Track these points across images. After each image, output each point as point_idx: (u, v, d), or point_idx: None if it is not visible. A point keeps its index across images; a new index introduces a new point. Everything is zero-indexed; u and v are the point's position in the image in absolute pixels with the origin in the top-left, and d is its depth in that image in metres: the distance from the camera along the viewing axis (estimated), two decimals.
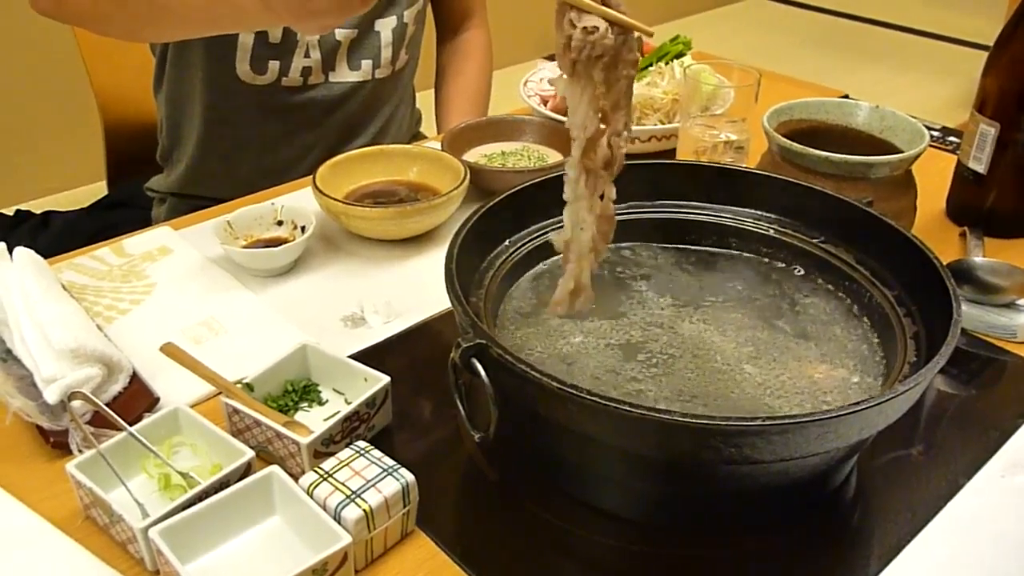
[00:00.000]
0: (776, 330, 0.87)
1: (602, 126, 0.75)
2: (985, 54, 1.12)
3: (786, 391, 0.79)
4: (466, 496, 0.81)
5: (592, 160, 0.75)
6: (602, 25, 0.70)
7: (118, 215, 1.74)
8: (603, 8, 0.70)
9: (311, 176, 1.11)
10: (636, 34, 0.73)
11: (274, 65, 1.33)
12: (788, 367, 0.82)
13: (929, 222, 1.16)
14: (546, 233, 0.93)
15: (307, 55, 1.34)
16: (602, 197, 0.78)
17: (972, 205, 1.16)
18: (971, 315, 0.98)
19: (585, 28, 0.70)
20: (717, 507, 0.76)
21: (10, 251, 0.94)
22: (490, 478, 0.82)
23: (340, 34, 1.34)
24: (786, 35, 4.65)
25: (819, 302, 0.90)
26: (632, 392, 0.79)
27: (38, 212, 2.02)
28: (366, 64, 1.40)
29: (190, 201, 1.46)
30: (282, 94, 1.37)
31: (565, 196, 0.78)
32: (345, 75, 1.39)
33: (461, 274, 0.79)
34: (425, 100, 1.67)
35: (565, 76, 0.74)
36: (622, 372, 0.81)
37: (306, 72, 1.36)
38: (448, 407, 0.87)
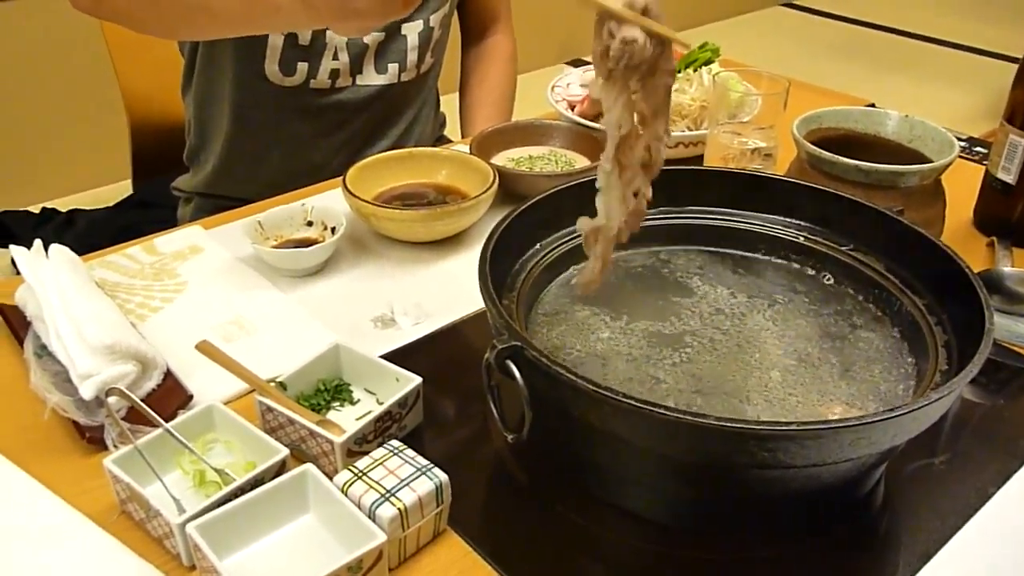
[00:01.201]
0: (825, 356, 0.85)
1: (640, 130, 0.75)
2: (1009, 65, 1.12)
3: (779, 408, 0.79)
4: (496, 496, 0.81)
5: (627, 157, 0.76)
6: (641, 37, 0.70)
7: (143, 214, 1.75)
8: (643, 20, 0.70)
9: (341, 177, 1.12)
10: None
11: (303, 67, 1.34)
12: (808, 396, 0.81)
13: (957, 232, 1.16)
14: (577, 237, 0.93)
15: (335, 58, 1.35)
16: (636, 194, 0.78)
17: (1001, 215, 1.15)
18: (999, 325, 0.97)
19: (624, 39, 0.70)
20: (748, 512, 0.77)
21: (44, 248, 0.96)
22: (520, 479, 0.83)
23: (367, 37, 1.35)
24: (809, 43, 4.65)
25: (874, 337, 0.87)
26: (650, 376, 0.81)
27: (64, 210, 2.03)
28: (392, 67, 1.41)
29: (216, 201, 1.47)
30: (310, 96, 1.38)
31: (598, 184, 0.79)
32: (372, 78, 1.40)
33: (494, 276, 0.79)
34: (449, 104, 1.68)
35: (600, 80, 0.74)
36: (648, 362, 0.83)
37: (334, 74, 1.37)
38: (476, 408, 0.88)
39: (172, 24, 1.10)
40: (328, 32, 1.32)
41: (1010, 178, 1.13)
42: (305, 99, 1.38)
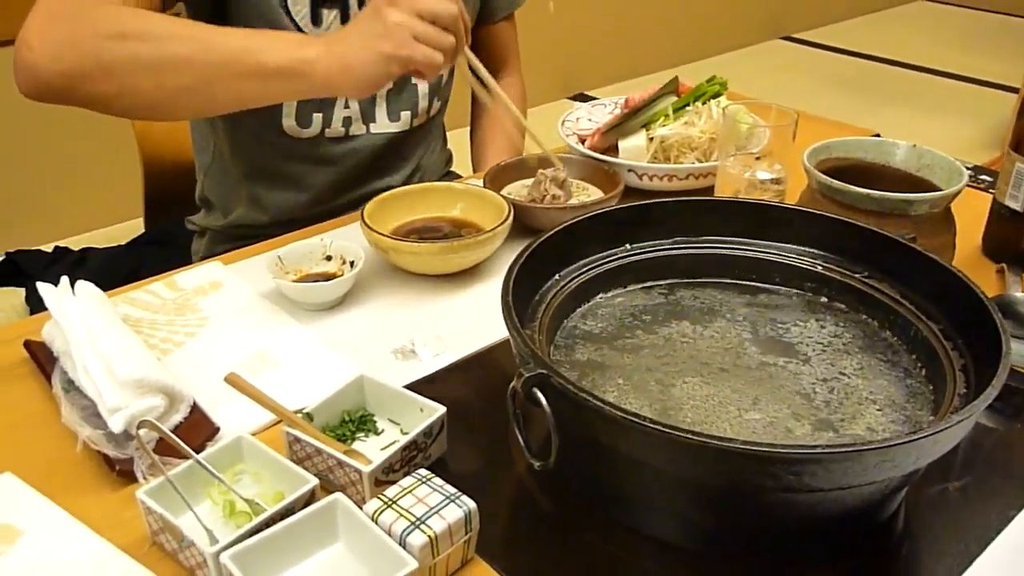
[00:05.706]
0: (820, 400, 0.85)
1: None
2: (1005, 95, 1.14)
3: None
4: (521, 524, 0.82)
5: None
6: None
7: (155, 252, 1.76)
8: None
9: (359, 212, 1.14)
10: None
11: (317, 117, 1.36)
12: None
13: (966, 259, 1.18)
14: (596, 267, 0.95)
15: (347, 106, 1.36)
16: None
17: (1009, 241, 1.17)
18: (1012, 350, 0.98)
19: None
20: (773, 538, 0.77)
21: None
22: (545, 507, 0.83)
23: None
24: (808, 76, 4.69)
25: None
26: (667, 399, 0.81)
27: (76, 249, 2.05)
28: (405, 115, 1.42)
29: (231, 231, 1.48)
30: (325, 145, 1.39)
31: None
32: (385, 126, 1.41)
33: (516, 307, 0.80)
34: (456, 139, 1.69)
35: None
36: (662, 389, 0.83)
37: (347, 122, 1.38)
38: (497, 437, 0.89)
39: (175, 103, 1.11)
40: None
41: (1018, 205, 1.14)
42: (320, 149, 1.40)
